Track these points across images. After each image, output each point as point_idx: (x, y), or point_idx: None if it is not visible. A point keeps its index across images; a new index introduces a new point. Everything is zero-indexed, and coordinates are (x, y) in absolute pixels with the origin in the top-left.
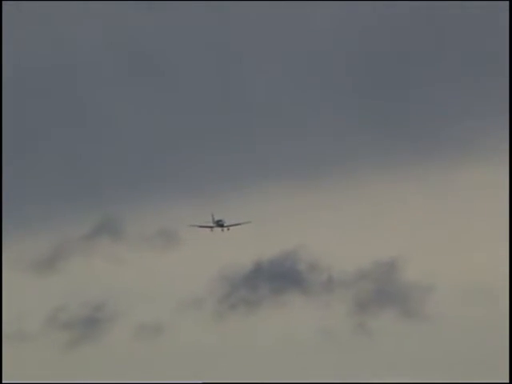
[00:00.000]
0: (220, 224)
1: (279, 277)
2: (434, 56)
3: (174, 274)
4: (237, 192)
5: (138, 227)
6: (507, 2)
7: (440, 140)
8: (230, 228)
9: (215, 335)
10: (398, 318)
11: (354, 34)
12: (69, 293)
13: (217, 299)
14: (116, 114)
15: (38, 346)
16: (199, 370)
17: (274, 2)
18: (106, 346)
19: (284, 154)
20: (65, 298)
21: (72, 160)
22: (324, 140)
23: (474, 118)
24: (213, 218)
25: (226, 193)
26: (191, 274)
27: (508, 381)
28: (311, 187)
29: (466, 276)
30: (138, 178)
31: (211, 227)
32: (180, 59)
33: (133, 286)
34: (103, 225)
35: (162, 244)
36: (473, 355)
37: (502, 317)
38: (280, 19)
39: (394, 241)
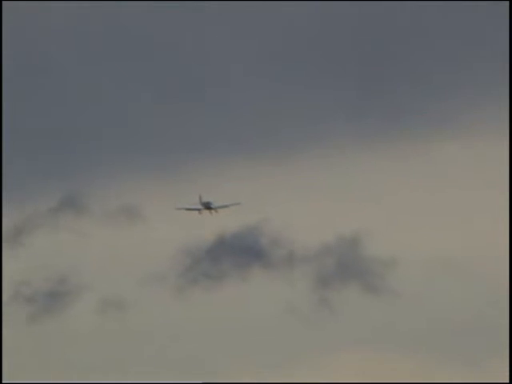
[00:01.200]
0: (208, 206)
1: (241, 251)
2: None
3: (138, 249)
4: (201, 167)
5: (102, 202)
6: (507, 2)
7: (406, 115)
8: (219, 210)
9: (178, 310)
10: (360, 293)
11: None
12: (32, 267)
13: (179, 274)
14: (82, 90)
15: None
16: (162, 346)
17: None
18: (70, 320)
19: (248, 130)
20: (28, 273)
21: (36, 135)
22: (290, 118)
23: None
24: (200, 200)
25: (191, 168)
26: (154, 249)
27: (508, 381)
28: (274, 162)
29: (429, 251)
30: (103, 153)
31: (199, 210)
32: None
33: (96, 260)
34: (67, 200)
35: (126, 219)
36: (435, 329)
37: (465, 291)
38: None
39: (357, 215)
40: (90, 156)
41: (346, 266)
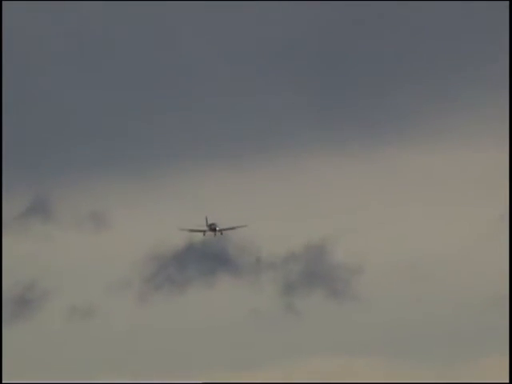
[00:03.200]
0: (213, 228)
1: (209, 258)
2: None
3: (105, 255)
4: (170, 172)
5: (70, 208)
6: (507, 2)
7: (375, 123)
8: (224, 232)
9: (143, 315)
10: (326, 299)
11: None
12: None
13: (146, 280)
14: (52, 93)
15: None
16: (128, 351)
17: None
18: (37, 325)
19: (219, 134)
20: None
21: (5, 140)
22: (258, 121)
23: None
24: (206, 221)
25: (160, 173)
26: (122, 255)
27: (508, 381)
28: (243, 168)
29: (394, 257)
30: (72, 159)
31: (204, 231)
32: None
33: (64, 266)
34: (35, 205)
35: (94, 225)
36: (400, 334)
37: (429, 296)
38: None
39: (323, 223)
40: (59, 162)
41: (313, 273)
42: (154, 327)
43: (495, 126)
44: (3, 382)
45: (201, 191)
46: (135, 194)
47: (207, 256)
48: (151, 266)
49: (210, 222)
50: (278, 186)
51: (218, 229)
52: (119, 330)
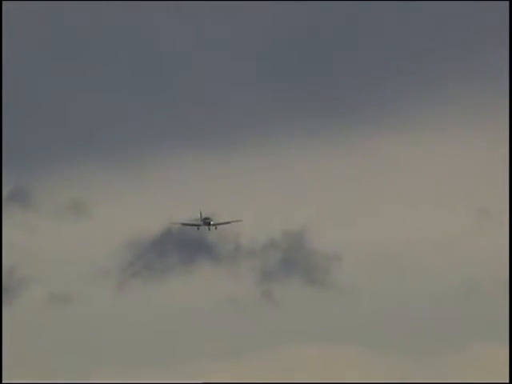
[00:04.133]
0: (207, 222)
1: (188, 245)
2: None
3: (85, 243)
4: (148, 161)
5: (50, 196)
6: (507, 2)
7: (353, 108)
8: (218, 227)
9: (122, 304)
10: (305, 287)
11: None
12: None
13: (125, 267)
14: (28, 81)
15: None
16: (106, 339)
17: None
18: (16, 312)
19: (198, 120)
20: None
21: None
22: (238, 109)
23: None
24: (200, 215)
25: (141, 161)
26: (101, 243)
27: (508, 381)
28: (223, 155)
29: (373, 246)
30: (51, 148)
31: (197, 225)
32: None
33: (43, 254)
34: (15, 193)
35: (73, 213)
36: (378, 322)
37: (407, 285)
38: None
39: (303, 211)
40: (39, 151)
41: (292, 261)
42: (132, 315)
43: (476, 119)
44: (3, 382)
45: (182, 179)
46: (116, 182)
47: (186, 243)
48: (130, 254)
49: (204, 215)
50: (256, 174)
51: (212, 223)
52: (98, 317)
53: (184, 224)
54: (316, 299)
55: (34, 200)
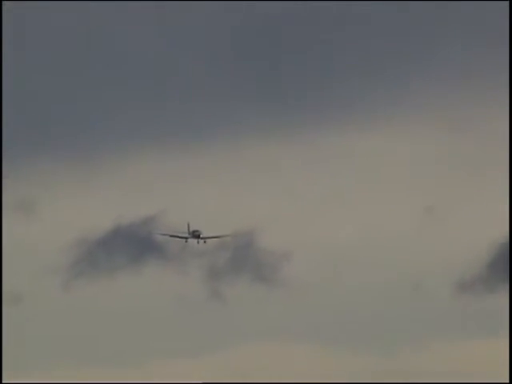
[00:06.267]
0: (196, 235)
1: (136, 243)
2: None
3: (33, 241)
4: (101, 154)
5: None
6: (507, 2)
7: (311, 106)
8: (207, 241)
9: (70, 302)
10: (253, 286)
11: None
12: None
13: (72, 266)
14: None
15: None
16: (54, 337)
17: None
18: None
19: (158, 117)
20: None
21: None
22: (200, 104)
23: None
24: (188, 228)
25: (94, 157)
26: (49, 241)
27: (508, 381)
28: (175, 151)
29: (323, 243)
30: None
31: (185, 238)
32: None
33: None
34: None
35: (22, 211)
36: (329, 320)
37: (359, 282)
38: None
39: (253, 208)
40: None
41: (241, 259)
42: (79, 314)
43: (436, 117)
44: (3, 382)
45: (133, 176)
46: (66, 179)
47: (134, 241)
48: (78, 253)
49: (192, 228)
50: (207, 171)
51: (201, 236)
52: (45, 316)
53: (172, 236)
54: (266, 297)
55: None
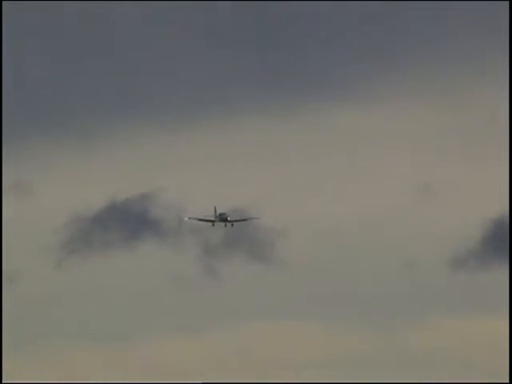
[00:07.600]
0: (223, 218)
1: (132, 220)
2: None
3: (29, 220)
4: (93, 134)
5: None
6: (507, 2)
7: (304, 83)
8: (234, 224)
9: (66, 280)
10: (248, 263)
11: None
12: None
13: (68, 244)
14: None
15: None
16: (50, 316)
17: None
18: None
19: (153, 96)
20: None
21: None
22: (187, 83)
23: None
24: (215, 211)
25: (82, 137)
26: (44, 219)
27: (508, 381)
28: (171, 129)
29: (319, 221)
30: None
31: (213, 221)
32: None
33: None
34: None
35: (17, 191)
36: (322, 296)
37: (354, 260)
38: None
39: (249, 186)
40: None
41: (237, 236)
42: (75, 292)
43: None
44: (3, 382)
45: (128, 154)
46: (60, 157)
47: (129, 218)
48: (73, 231)
49: (219, 211)
50: (204, 149)
51: (229, 219)
52: (41, 294)
53: (200, 219)
54: (261, 275)
55: None
